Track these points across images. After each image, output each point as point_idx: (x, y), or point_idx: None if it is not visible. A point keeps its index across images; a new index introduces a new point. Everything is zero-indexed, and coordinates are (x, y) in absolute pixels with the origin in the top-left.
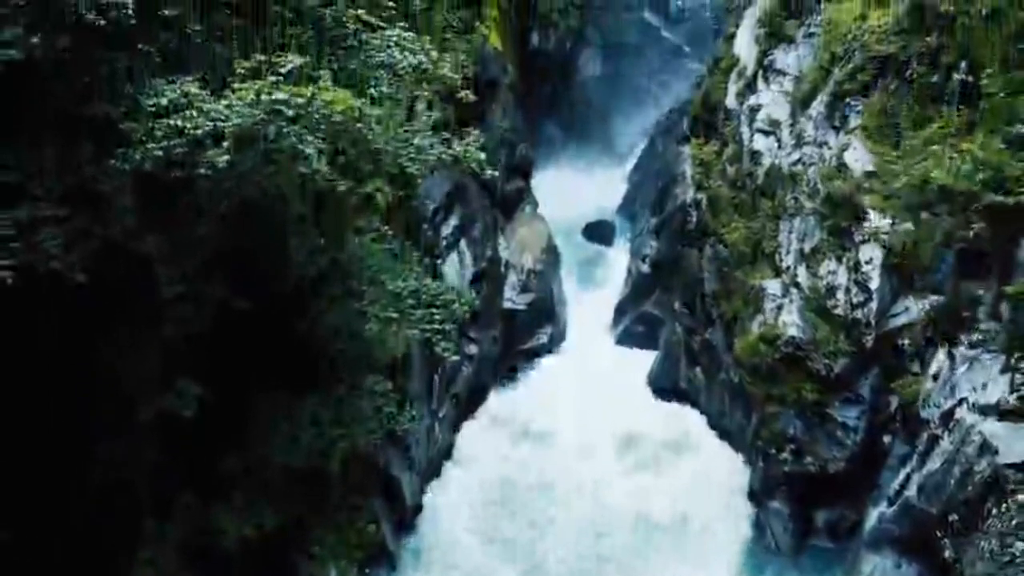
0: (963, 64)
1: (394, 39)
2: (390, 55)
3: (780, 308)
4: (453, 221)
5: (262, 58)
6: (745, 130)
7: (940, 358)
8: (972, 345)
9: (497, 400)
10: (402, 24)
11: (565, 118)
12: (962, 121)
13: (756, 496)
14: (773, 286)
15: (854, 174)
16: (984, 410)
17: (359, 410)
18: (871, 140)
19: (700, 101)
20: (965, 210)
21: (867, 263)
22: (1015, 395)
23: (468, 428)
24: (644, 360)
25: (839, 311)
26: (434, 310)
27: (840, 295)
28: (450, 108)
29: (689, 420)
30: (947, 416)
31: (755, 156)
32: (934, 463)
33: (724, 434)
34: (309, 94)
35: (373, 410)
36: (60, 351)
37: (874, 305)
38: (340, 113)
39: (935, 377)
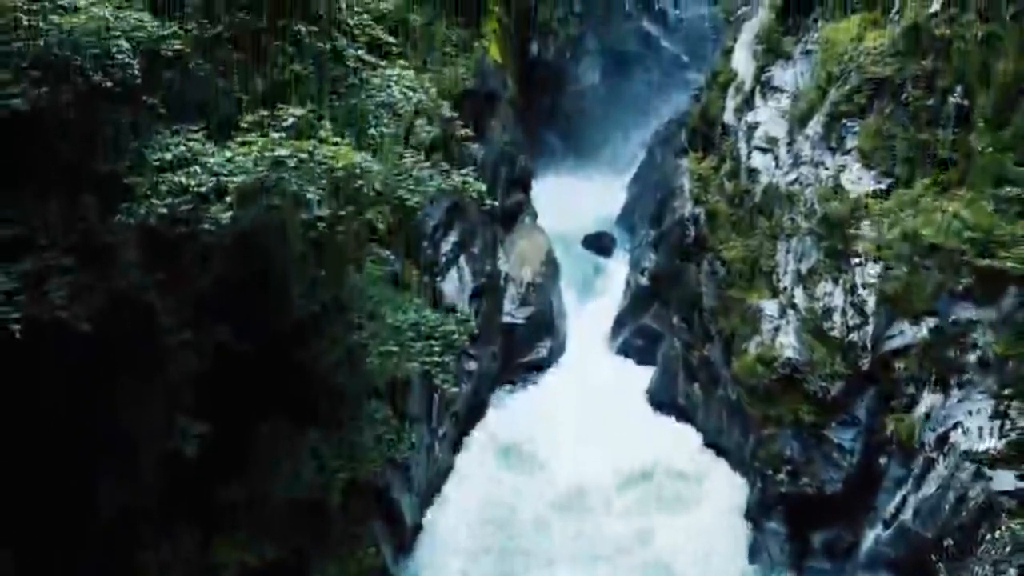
0: (959, 88)
1: (394, 78)
2: (390, 95)
3: (777, 329)
4: (453, 237)
5: (265, 113)
6: (743, 146)
7: (934, 383)
8: (962, 385)
9: (496, 418)
10: (401, 62)
11: (564, 127)
12: (953, 177)
13: (753, 516)
14: (770, 307)
15: (850, 196)
16: (974, 456)
17: (360, 442)
18: (867, 165)
19: (698, 114)
20: (955, 266)
21: (863, 286)
22: (1004, 440)
23: (467, 447)
24: (643, 374)
25: (835, 333)
26: (433, 342)
27: (837, 317)
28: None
29: (687, 438)
30: (942, 440)
31: (752, 174)
32: (929, 487)
33: (722, 452)
34: (311, 148)
35: (373, 440)
36: (63, 399)
37: (870, 328)
38: (341, 168)
39: (929, 408)
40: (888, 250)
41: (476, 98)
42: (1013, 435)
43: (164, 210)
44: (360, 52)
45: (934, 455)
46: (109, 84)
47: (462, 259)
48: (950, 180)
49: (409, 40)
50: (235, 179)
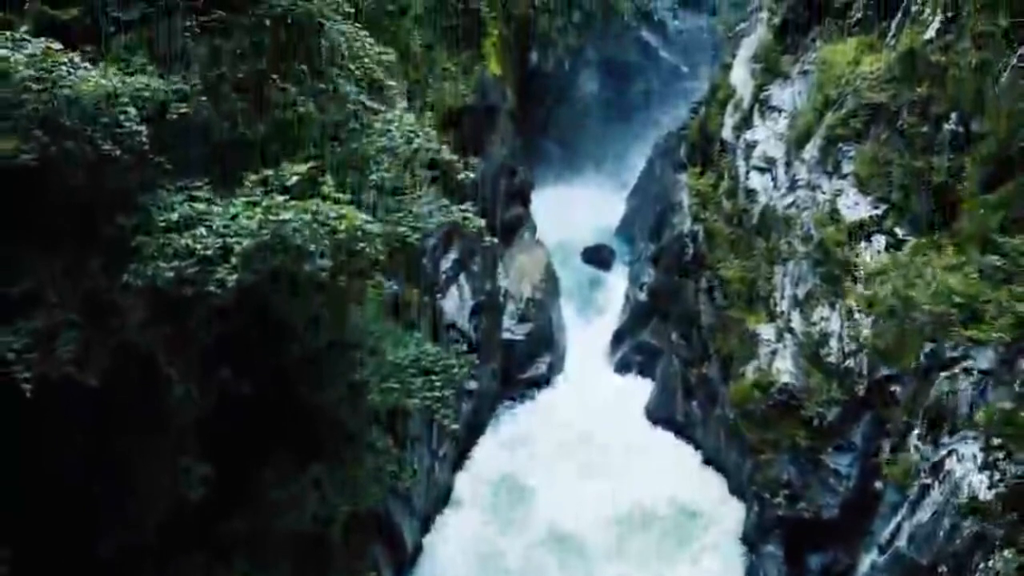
0: (953, 115)
1: (395, 124)
2: (391, 139)
3: (774, 354)
4: (452, 255)
5: (268, 172)
6: (741, 165)
7: (928, 415)
8: (952, 431)
9: (495, 438)
10: (403, 105)
11: (564, 136)
12: (944, 239)
13: (751, 540)
14: (767, 331)
15: (847, 222)
16: (965, 507)
17: (362, 475)
18: (863, 191)
19: (697, 129)
20: (944, 326)
21: (860, 312)
22: (993, 492)
23: (466, 469)
24: (642, 390)
25: (832, 359)
26: (434, 377)
27: (833, 343)
28: (449, 136)
29: (685, 459)
30: (937, 466)
31: (751, 194)
32: (924, 513)
33: (720, 469)
34: (314, 209)
35: (375, 471)
36: (67, 450)
37: (866, 354)
38: (344, 231)
39: (924, 436)
40: (880, 306)
41: (476, 113)
42: (1002, 486)
43: (171, 273)
44: (361, 96)
45: (929, 481)
46: (117, 152)
47: (462, 277)
48: (941, 241)
49: (410, 61)
50: (241, 242)
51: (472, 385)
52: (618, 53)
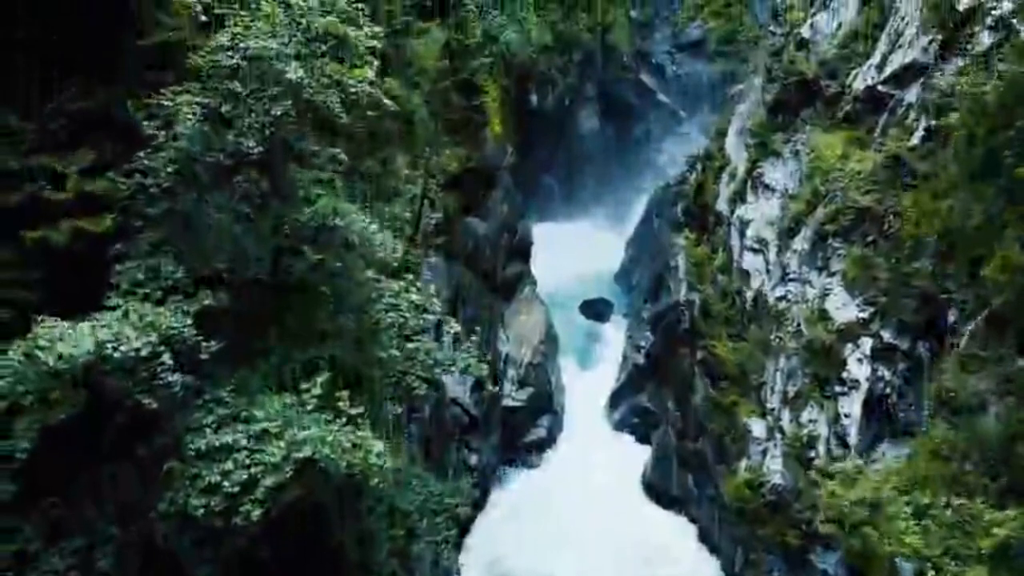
0: (936, 220)
1: (403, 297)
2: (400, 314)
3: (765, 452)
4: (453, 329)
5: (289, 400)
6: (735, 243)
7: None
8: None
9: (496, 512)
10: (410, 276)
11: (564, 173)
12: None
13: None
14: (758, 428)
15: (835, 323)
16: None
17: None
18: (850, 292)
19: (693, 192)
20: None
21: (846, 416)
22: None
23: (468, 549)
24: (639, 456)
25: (819, 462)
26: (438, 519)
27: (820, 447)
28: (451, 197)
29: (681, 534)
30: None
31: (744, 275)
32: None
33: (714, 549)
34: (331, 439)
35: None
36: None
37: (852, 457)
38: (358, 462)
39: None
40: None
41: (477, 174)
42: None
43: (201, 509)
44: (370, 272)
45: None
46: (155, 406)
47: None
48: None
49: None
50: (265, 478)
51: (473, 460)
52: (617, 91)
